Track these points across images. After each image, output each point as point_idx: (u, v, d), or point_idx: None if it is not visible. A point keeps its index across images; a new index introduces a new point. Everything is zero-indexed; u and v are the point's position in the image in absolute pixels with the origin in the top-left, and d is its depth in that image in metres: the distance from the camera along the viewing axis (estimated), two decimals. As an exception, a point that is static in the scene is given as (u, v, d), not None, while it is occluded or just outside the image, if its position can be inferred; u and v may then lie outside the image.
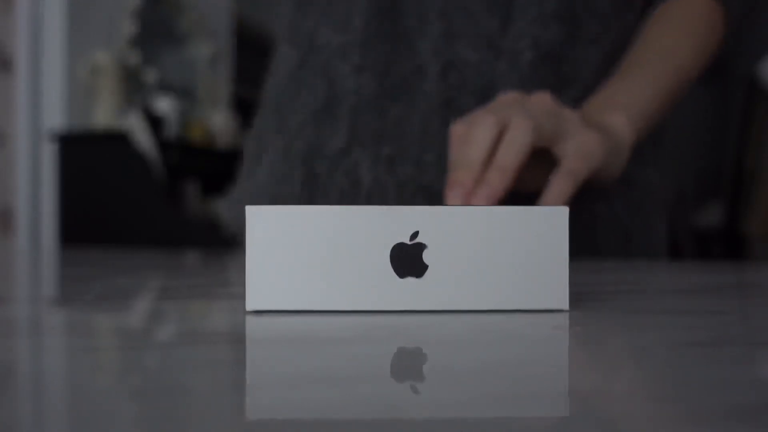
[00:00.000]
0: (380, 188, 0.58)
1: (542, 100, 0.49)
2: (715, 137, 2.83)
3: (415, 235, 0.28)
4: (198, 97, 2.69)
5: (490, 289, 0.28)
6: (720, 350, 0.21)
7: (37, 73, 2.18)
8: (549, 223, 0.28)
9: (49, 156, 2.14)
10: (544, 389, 0.17)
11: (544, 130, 0.46)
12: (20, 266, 0.56)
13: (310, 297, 0.28)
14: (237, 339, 0.24)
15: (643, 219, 0.62)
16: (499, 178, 0.44)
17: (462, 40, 0.57)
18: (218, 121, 2.61)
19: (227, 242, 0.76)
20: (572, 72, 0.58)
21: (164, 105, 2.38)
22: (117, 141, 2.06)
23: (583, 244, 0.58)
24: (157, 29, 2.53)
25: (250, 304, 0.28)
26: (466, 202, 0.44)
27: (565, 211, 0.28)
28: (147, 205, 2.04)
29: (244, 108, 2.96)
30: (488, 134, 0.45)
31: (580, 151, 0.47)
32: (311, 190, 0.61)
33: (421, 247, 0.28)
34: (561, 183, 0.46)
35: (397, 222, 0.28)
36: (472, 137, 0.45)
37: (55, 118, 2.17)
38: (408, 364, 0.20)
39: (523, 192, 0.49)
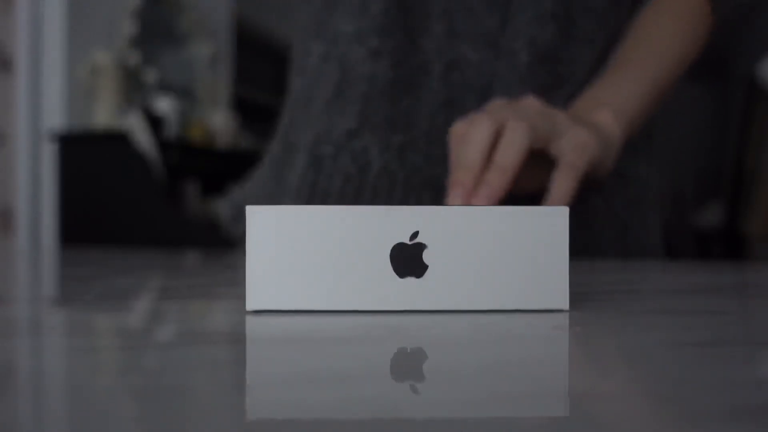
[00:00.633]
0: (388, 176, 0.58)
1: (532, 103, 0.49)
2: (715, 137, 2.83)
3: (415, 235, 0.28)
4: (198, 97, 2.69)
5: (490, 289, 0.28)
6: (720, 350, 0.21)
7: (37, 73, 2.18)
8: (549, 223, 0.28)
9: (49, 156, 2.14)
10: (544, 389, 0.17)
11: (539, 131, 0.46)
12: (20, 266, 0.56)
13: (310, 297, 0.28)
14: (237, 339, 0.24)
15: (639, 213, 0.63)
16: (500, 178, 0.44)
17: (464, 39, 0.58)
18: (218, 121, 2.61)
19: (227, 242, 0.76)
20: (567, 71, 0.58)
21: (164, 105, 2.38)
22: (117, 141, 2.06)
23: (580, 239, 0.58)
24: (157, 29, 2.53)
25: (250, 304, 0.28)
26: (467, 202, 0.44)
27: (565, 211, 0.28)
28: (147, 205, 2.04)
29: (244, 108, 2.97)
30: (486, 135, 0.45)
31: (576, 145, 0.47)
32: (315, 174, 0.60)
33: (421, 247, 0.28)
34: (563, 178, 0.47)
35: (397, 222, 0.28)
36: (470, 138, 0.46)
37: (55, 118, 2.17)
38: (408, 364, 0.20)
39: (520, 195, 0.49)
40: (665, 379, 0.18)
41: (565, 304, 0.28)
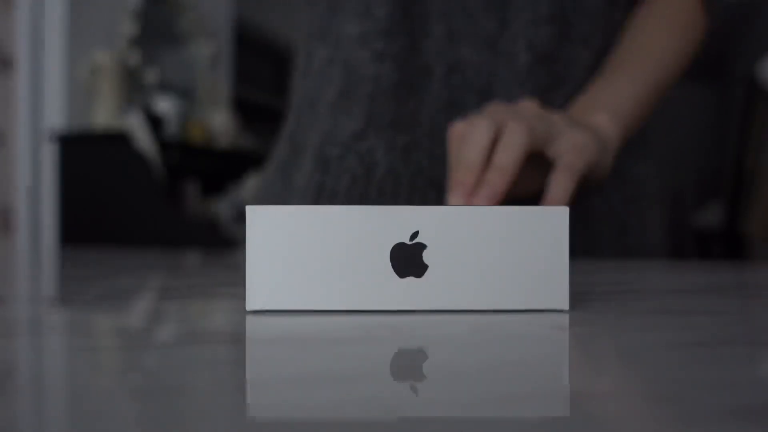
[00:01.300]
0: (394, 177, 0.58)
1: (530, 106, 0.49)
2: (715, 137, 2.83)
3: (415, 235, 0.28)
4: (198, 97, 2.69)
5: (490, 289, 0.28)
6: (720, 350, 0.21)
7: (37, 73, 2.18)
8: (549, 224, 0.28)
9: (49, 156, 2.14)
10: (544, 389, 0.17)
11: (537, 133, 0.47)
12: (20, 266, 0.56)
13: (310, 297, 0.28)
14: (237, 339, 0.24)
15: (638, 212, 0.63)
16: (500, 179, 0.44)
17: (463, 41, 0.58)
18: (218, 121, 2.61)
19: (227, 242, 0.76)
20: (565, 72, 0.58)
21: (164, 105, 2.38)
22: (117, 141, 2.06)
23: (580, 238, 0.59)
24: (157, 29, 2.53)
25: (250, 304, 0.28)
26: (468, 202, 0.44)
27: (565, 211, 0.28)
28: (147, 205, 2.04)
29: (244, 108, 2.97)
30: (485, 136, 0.45)
31: (574, 146, 0.47)
32: (322, 174, 0.60)
33: (421, 247, 0.28)
34: (561, 179, 0.47)
35: (397, 222, 0.28)
36: (470, 138, 0.46)
37: (55, 118, 2.17)
38: (408, 364, 0.20)
39: (518, 197, 0.50)
40: (665, 379, 0.18)
41: (565, 305, 0.28)
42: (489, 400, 0.16)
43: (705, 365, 0.19)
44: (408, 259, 0.28)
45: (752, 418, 0.14)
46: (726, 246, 2.51)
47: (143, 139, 2.09)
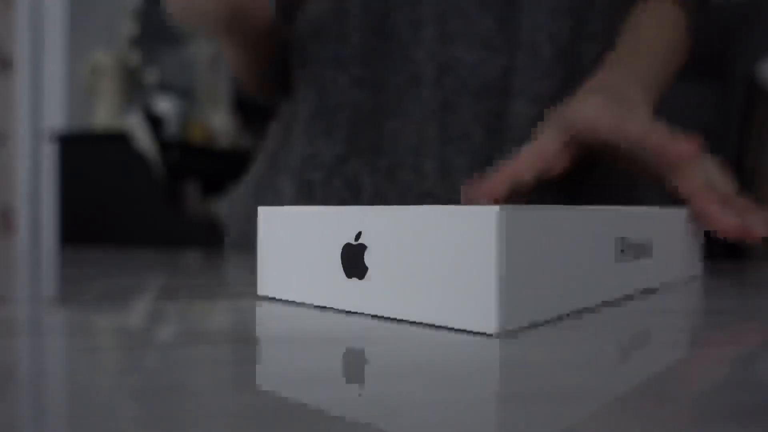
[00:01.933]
0: (380, 199, 0.59)
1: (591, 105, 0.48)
2: (715, 137, 2.84)
3: (359, 235, 0.27)
4: (198, 97, 2.69)
5: (420, 298, 0.25)
6: (720, 350, 0.21)
7: (37, 73, 2.18)
8: (474, 228, 0.23)
9: (49, 156, 2.14)
10: (544, 389, 0.17)
11: (603, 122, 0.46)
12: (20, 266, 0.56)
13: (300, 290, 0.30)
14: (237, 339, 0.24)
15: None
16: (499, 178, 0.45)
17: (457, 41, 0.58)
18: (218, 121, 2.61)
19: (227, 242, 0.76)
20: (578, 66, 0.59)
21: (164, 105, 2.38)
22: (117, 141, 2.06)
23: None
24: (157, 29, 2.53)
25: (261, 291, 0.33)
26: (468, 202, 0.45)
27: (493, 211, 0.22)
28: (147, 205, 2.04)
29: (244, 108, 2.97)
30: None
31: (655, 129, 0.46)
32: (306, 199, 0.61)
33: (363, 248, 0.27)
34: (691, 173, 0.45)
35: (347, 222, 0.28)
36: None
37: (55, 118, 2.17)
38: (408, 364, 0.20)
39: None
40: (665, 379, 0.18)
41: (491, 327, 0.23)
42: (489, 400, 0.16)
43: (705, 365, 0.19)
44: (351, 260, 0.28)
45: (752, 418, 0.14)
46: (726, 246, 2.52)
47: (143, 139, 2.09)
